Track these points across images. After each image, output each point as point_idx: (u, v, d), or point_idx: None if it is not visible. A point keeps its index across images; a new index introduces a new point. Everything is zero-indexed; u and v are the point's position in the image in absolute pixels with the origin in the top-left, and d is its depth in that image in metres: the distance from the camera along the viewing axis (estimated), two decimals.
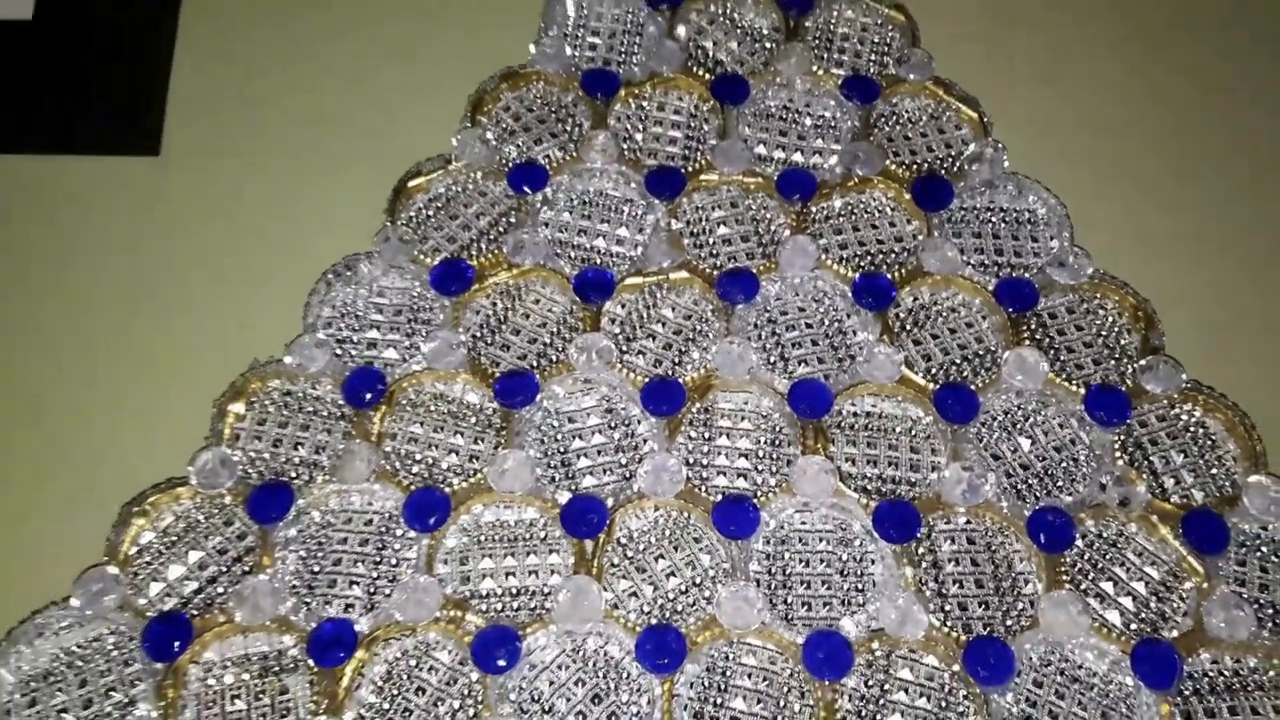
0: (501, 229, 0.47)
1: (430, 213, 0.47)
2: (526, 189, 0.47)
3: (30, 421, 0.44)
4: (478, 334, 0.45)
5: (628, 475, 0.42)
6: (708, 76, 0.50)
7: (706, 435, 0.43)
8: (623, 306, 0.46)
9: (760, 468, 0.42)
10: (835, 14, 0.51)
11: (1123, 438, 0.43)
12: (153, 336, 0.46)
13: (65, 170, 0.50)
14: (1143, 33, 0.52)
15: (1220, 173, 0.50)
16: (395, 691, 0.39)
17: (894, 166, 0.48)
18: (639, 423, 0.43)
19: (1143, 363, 0.44)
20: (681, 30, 0.51)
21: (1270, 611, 0.40)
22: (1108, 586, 0.41)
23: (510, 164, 0.48)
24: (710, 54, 0.50)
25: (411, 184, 0.48)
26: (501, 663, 0.39)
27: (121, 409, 0.44)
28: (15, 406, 0.44)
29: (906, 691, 0.39)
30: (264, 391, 0.43)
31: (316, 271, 0.46)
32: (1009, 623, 0.40)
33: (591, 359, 0.44)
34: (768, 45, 0.50)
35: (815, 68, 0.50)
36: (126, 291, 0.47)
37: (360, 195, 0.47)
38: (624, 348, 0.44)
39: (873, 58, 0.50)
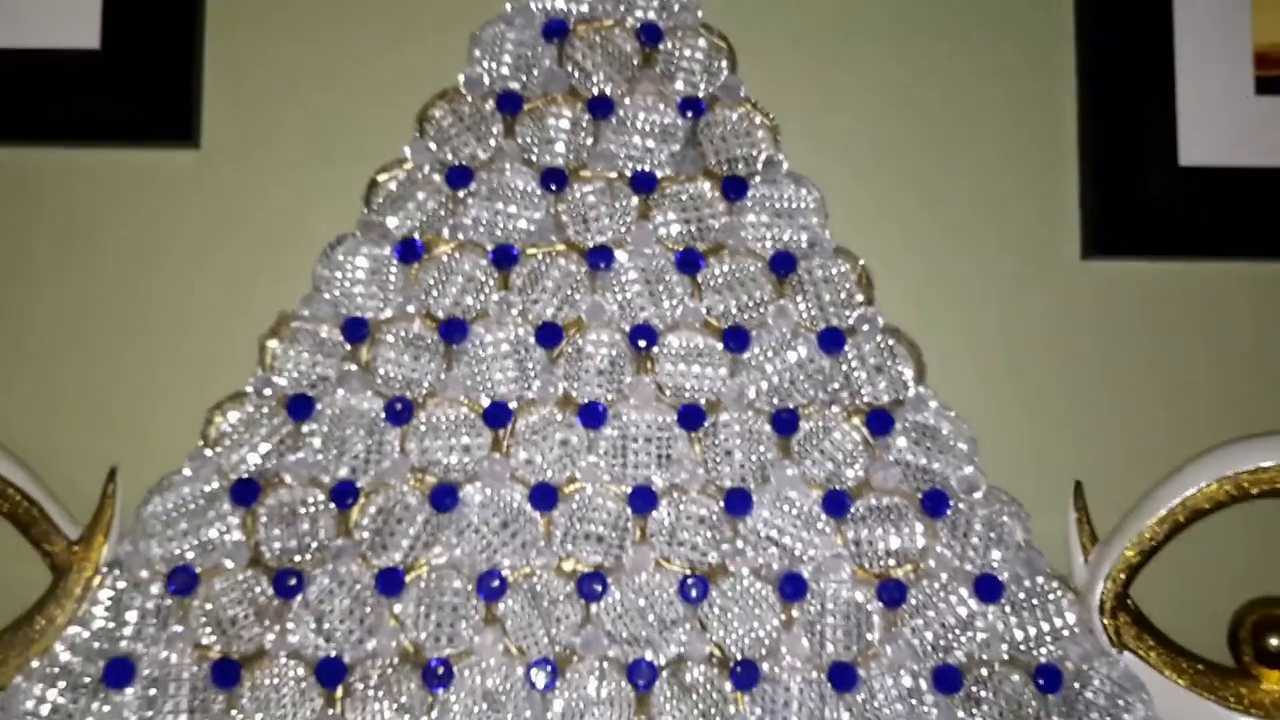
0: (442, 214, 0.69)
1: (393, 201, 0.69)
2: (458, 184, 0.69)
3: (141, 362, 0.68)
4: (427, 291, 0.68)
5: (526, 387, 0.67)
6: (586, 95, 0.71)
7: (577, 361, 0.68)
8: (525, 268, 0.69)
9: (610, 382, 0.67)
10: (678, 42, 0.72)
11: (841, 360, 0.68)
12: (211, 293, 0.69)
13: (133, 160, 0.71)
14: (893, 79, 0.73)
15: (934, 172, 0.72)
16: (383, 522, 0.65)
17: (713, 166, 0.70)
18: (535, 351, 0.68)
19: (860, 312, 0.69)
20: (568, 57, 0.71)
21: (910, 468, 0.66)
22: (817, 456, 0.67)
23: (447, 165, 0.70)
24: (589, 75, 0.71)
25: (380, 178, 0.70)
26: (447, 504, 0.65)
27: (203, 344, 0.68)
28: (129, 350, 0.68)
29: (690, 519, 0.66)
30: (290, 332, 0.67)
31: (322, 245, 0.68)
32: (755, 480, 0.66)
33: (502, 309, 0.68)
34: (629, 69, 0.71)
35: (661, 88, 0.71)
36: (195, 258, 0.70)
37: (353, 186, 0.69)
38: (524, 301, 0.68)
39: (702, 79, 0.71)
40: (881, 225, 0.72)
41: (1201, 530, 0.66)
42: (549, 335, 0.67)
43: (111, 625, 0.63)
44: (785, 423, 0.67)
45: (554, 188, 0.69)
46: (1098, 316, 0.72)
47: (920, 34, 0.73)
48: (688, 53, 0.71)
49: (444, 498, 0.65)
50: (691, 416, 0.66)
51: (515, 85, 0.71)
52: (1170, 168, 0.72)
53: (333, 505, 0.65)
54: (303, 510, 0.65)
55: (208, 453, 0.65)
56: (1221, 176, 0.72)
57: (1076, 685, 0.64)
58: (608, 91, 0.70)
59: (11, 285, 0.70)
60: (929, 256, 0.72)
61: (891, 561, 0.65)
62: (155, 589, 0.64)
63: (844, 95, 0.73)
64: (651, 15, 0.71)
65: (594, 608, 0.64)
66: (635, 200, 0.69)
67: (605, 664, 0.63)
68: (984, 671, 0.64)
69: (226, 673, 0.62)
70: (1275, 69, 0.73)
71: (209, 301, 0.70)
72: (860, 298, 0.69)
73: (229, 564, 0.64)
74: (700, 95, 0.71)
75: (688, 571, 0.65)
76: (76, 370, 0.69)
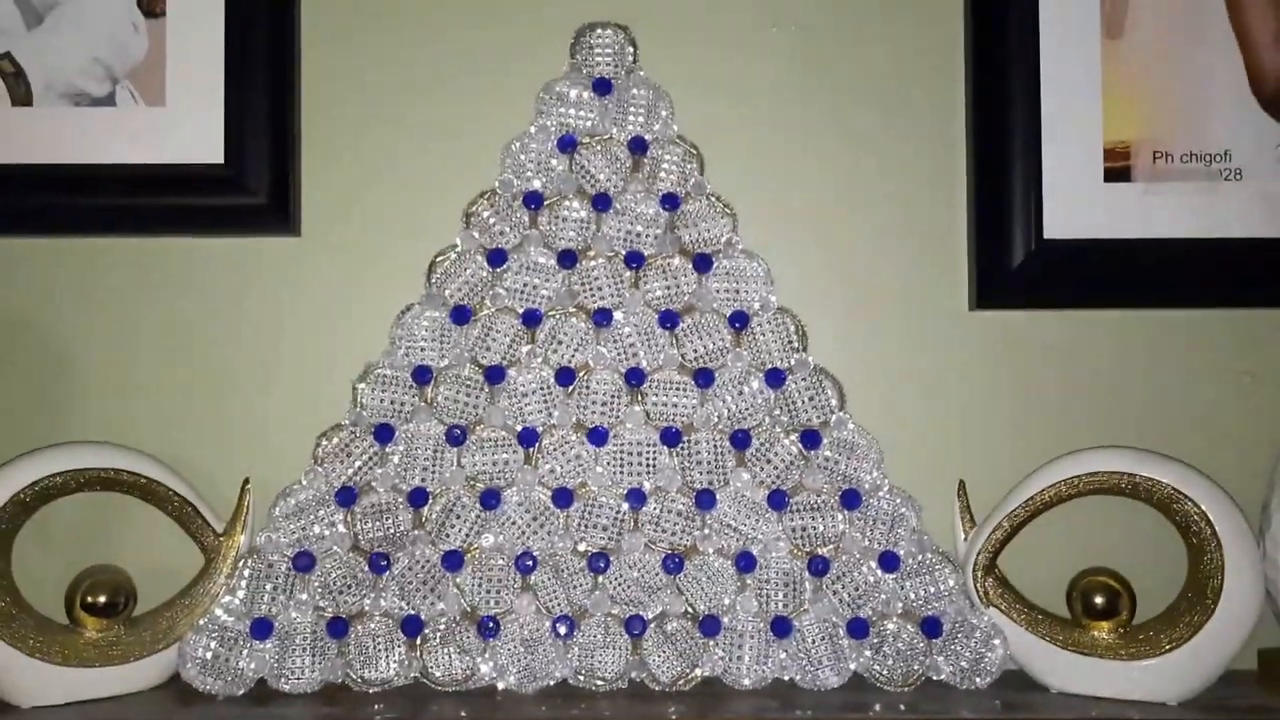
0: (484, 286, 0.93)
1: (447, 277, 0.93)
2: (496, 262, 0.93)
3: (263, 400, 0.92)
4: (476, 346, 0.92)
5: (549, 416, 0.91)
6: (591, 193, 0.94)
7: (586, 395, 0.91)
8: (547, 326, 0.92)
9: (611, 411, 0.91)
10: (659, 150, 0.95)
11: (783, 393, 0.91)
12: (313, 347, 0.93)
13: (250, 246, 0.95)
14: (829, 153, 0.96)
15: (856, 245, 0.95)
16: (446, 517, 0.89)
17: (686, 246, 0.94)
18: (555, 389, 0.91)
19: (797, 356, 0.92)
20: (577, 164, 0.94)
21: (833, 473, 0.90)
22: (764, 464, 0.90)
23: (487, 248, 0.93)
24: (593, 177, 0.94)
25: (437, 259, 0.93)
26: (492, 503, 0.89)
27: (309, 387, 0.92)
28: (254, 391, 0.92)
29: (670, 512, 0.89)
30: (374, 378, 0.91)
31: (395, 311, 0.92)
32: (718, 483, 0.90)
33: (531, 357, 0.91)
34: (623, 172, 0.94)
35: (647, 187, 0.94)
36: (299, 320, 0.94)
37: (417, 265, 0.93)
38: (546, 351, 0.92)
39: (678, 180, 0.94)
40: (814, 288, 0.95)
41: (1050, 517, 0.89)
42: (565, 377, 0.91)
43: (253, 594, 0.87)
44: (741, 440, 0.90)
45: (568, 264, 0.92)
46: (981, 354, 0.95)
47: (846, 137, 0.96)
48: (667, 159, 0.94)
49: (490, 499, 0.89)
50: (671, 436, 0.90)
51: (537, 185, 0.94)
52: (1038, 240, 0.95)
53: (409, 505, 0.89)
54: (388, 509, 0.89)
55: (317, 469, 0.89)
56: (1076, 247, 0.95)
57: (954, 632, 0.88)
58: (607, 190, 0.93)
59: (164, 341, 0.94)
60: (851, 311, 0.95)
61: (818, 542, 0.89)
62: (284, 568, 0.88)
63: (786, 188, 0.96)
64: (639, 130, 0.94)
65: (600, 578, 0.88)
66: (628, 273, 0.93)
67: (609, 619, 0.87)
68: (885, 623, 0.88)
69: (337, 627, 0.87)
70: (1119, 162, 0.96)
71: (311, 354, 0.94)
72: (797, 345, 0.92)
73: (336, 549, 0.88)
74: (677, 192, 0.94)
75: (668, 551, 0.89)
76: (216, 407, 0.94)
